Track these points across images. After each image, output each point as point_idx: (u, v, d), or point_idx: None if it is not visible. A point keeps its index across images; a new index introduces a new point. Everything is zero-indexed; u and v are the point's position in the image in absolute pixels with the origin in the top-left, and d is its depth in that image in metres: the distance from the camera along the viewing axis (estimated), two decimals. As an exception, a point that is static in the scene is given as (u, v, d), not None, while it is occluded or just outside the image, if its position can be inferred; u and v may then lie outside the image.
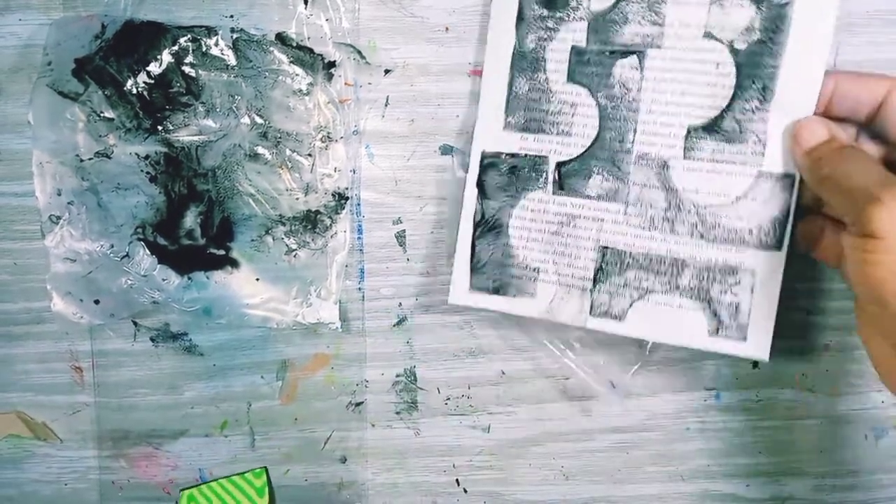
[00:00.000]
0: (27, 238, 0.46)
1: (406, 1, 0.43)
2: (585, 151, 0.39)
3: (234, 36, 0.42)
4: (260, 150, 0.44)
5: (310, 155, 0.44)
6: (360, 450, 0.47)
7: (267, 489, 0.38)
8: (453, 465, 0.47)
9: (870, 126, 0.36)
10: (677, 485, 0.46)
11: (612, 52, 0.38)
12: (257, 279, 0.45)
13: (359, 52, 0.43)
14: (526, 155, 0.40)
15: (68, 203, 0.44)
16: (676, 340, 0.39)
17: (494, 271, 0.41)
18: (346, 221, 0.44)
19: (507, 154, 0.41)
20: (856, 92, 0.35)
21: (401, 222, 0.45)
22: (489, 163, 0.41)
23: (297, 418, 0.47)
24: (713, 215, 0.38)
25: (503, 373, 0.46)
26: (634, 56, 0.38)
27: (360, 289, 0.45)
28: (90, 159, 0.44)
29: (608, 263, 0.40)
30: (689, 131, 0.38)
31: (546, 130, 0.40)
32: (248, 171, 0.44)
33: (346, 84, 0.43)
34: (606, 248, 0.40)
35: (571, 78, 0.39)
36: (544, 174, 0.40)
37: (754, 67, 0.37)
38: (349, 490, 0.47)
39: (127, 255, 0.44)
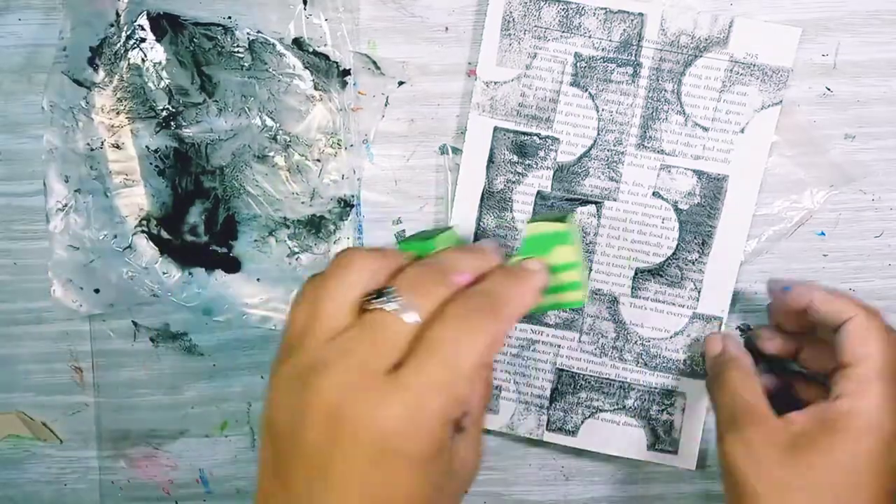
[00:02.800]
0: (27, 238, 0.46)
1: (406, 1, 0.43)
2: None
3: (251, 37, 0.43)
4: (269, 152, 0.44)
5: (318, 160, 0.44)
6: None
7: None
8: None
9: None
10: (677, 485, 0.46)
11: (573, 200, 0.43)
12: (258, 279, 0.45)
13: (374, 63, 0.43)
14: None
15: (75, 191, 0.44)
16: (621, 453, 0.45)
17: None
18: (350, 228, 0.44)
19: None
20: (824, 310, 0.37)
21: (401, 222, 0.45)
22: None
23: (297, 418, 0.47)
24: (655, 347, 0.44)
25: (503, 373, 0.46)
26: (593, 205, 0.43)
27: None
28: (100, 148, 0.44)
29: (563, 384, 0.44)
30: (636, 273, 0.43)
31: None
32: (256, 171, 0.44)
33: (359, 93, 0.43)
34: (562, 370, 0.44)
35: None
36: None
37: (695, 225, 0.42)
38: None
39: (129, 247, 0.44)
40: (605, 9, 0.41)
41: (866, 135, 0.42)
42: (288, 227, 0.44)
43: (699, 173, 0.42)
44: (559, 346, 0.44)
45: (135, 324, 0.46)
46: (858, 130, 0.42)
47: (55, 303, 0.45)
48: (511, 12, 0.42)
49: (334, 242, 0.44)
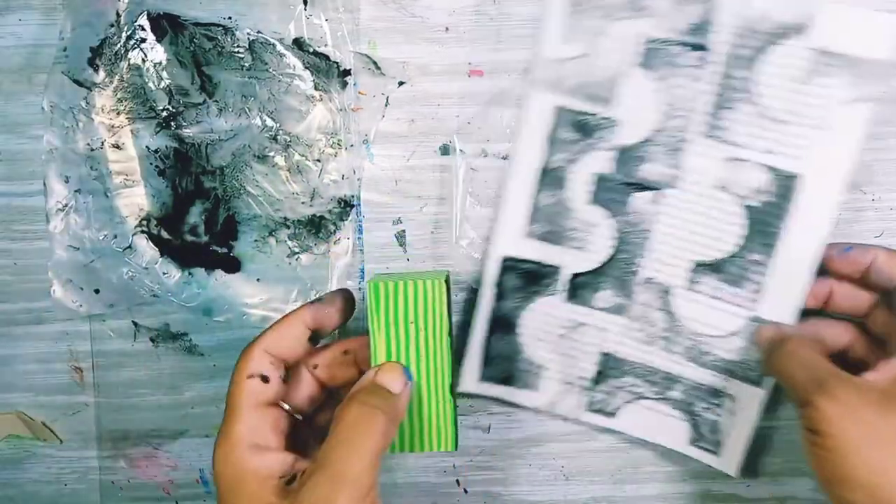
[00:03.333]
0: (27, 238, 0.46)
1: (406, 1, 0.43)
2: (598, 268, 0.42)
3: (251, 38, 0.43)
4: (269, 152, 0.44)
5: (318, 160, 0.44)
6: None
7: (446, 296, 0.36)
8: (453, 466, 0.47)
9: None
10: (677, 485, 0.46)
11: (632, 184, 0.41)
12: (258, 279, 0.45)
13: (374, 63, 0.43)
14: (542, 263, 0.42)
15: (75, 191, 0.44)
16: (660, 441, 0.44)
17: (503, 364, 0.44)
18: (350, 228, 0.44)
19: (524, 260, 0.43)
20: (888, 268, 0.38)
21: (401, 222, 0.45)
22: (507, 266, 0.43)
23: (297, 418, 0.47)
24: (706, 344, 0.42)
25: (503, 373, 0.46)
26: (652, 192, 0.41)
27: (360, 289, 0.45)
28: (100, 148, 0.44)
29: (608, 368, 0.43)
30: (695, 266, 0.41)
31: (564, 244, 0.42)
32: (256, 172, 0.44)
33: (360, 93, 0.43)
34: (607, 354, 0.43)
35: (592, 200, 0.41)
36: (557, 282, 0.42)
37: (762, 224, 0.39)
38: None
39: (129, 247, 0.44)
40: None
41: (866, 135, 0.42)
42: (288, 227, 0.44)
43: (770, 168, 0.39)
44: (606, 329, 0.42)
45: (135, 324, 0.46)
46: (858, 130, 0.42)
47: (55, 303, 0.45)
48: None
49: (334, 242, 0.45)
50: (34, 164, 0.45)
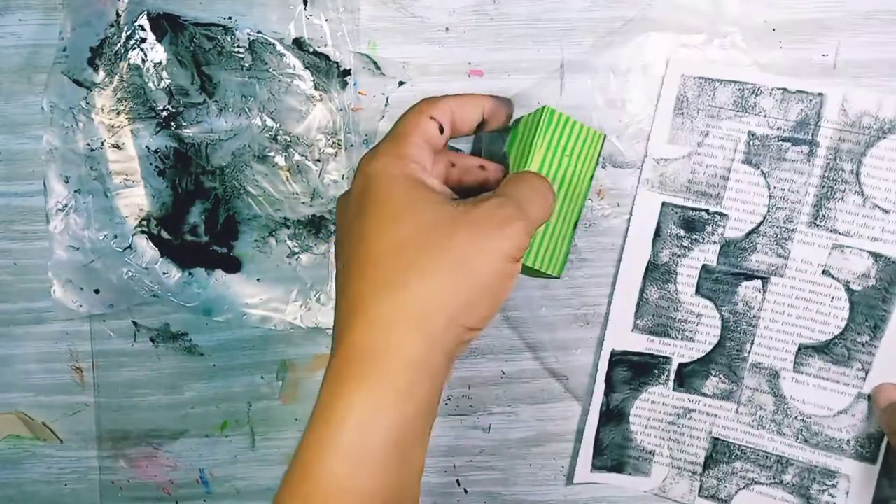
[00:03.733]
0: (27, 238, 0.46)
1: (406, 1, 0.43)
2: (706, 356, 0.44)
3: (251, 38, 0.43)
4: (269, 152, 0.44)
5: (318, 160, 0.44)
6: (360, 450, 0.47)
7: (600, 148, 0.39)
8: (453, 466, 0.47)
9: None
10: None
11: (738, 275, 0.43)
12: (258, 279, 0.45)
13: (374, 63, 0.43)
14: (651, 354, 0.44)
15: (75, 191, 0.44)
16: None
17: (614, 452, 0.45)
18: None
19: (633, 353, 0.44)
20: None
21: (401, 222, 0.45)
22: (617, 360, 0.44)
23: (297, 418, 0.47)
24: (817, 424, 0.43)
25: (503, 373, 0.46)
26: (759, 280, 0.42)
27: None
28: (100, 148, 0.44)
29: (718, 453, 0.44)
30: (800, 348, 0.42)
31: (671, 335, 0.44)
32: (256, 172, 0.44)
33: (360, 93, 0.43)
34: (717, 439, 0.44)
35: (699, 291, 0.43)
36: (666, 372, 0.44)
37: (868, 308, 0.41)
38: (349, 490, 0.47)
39: (129, 247, 0.44)
40: (784, 89, 0.41)
41: (866, 135, 0.42)
42: (288, 227, 0.44)
43: (876, 255, 0.41)
44: (715, 415, 0.44)
45: (135, 324, 0.46)
46: (858, 130, 0.42)
47: (55, 303, 0.45)
48: (685, 92, 0.42)
49: (334, 243, 0.44)
50: (34, 164, 0.45)
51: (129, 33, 0.43)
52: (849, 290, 0.42)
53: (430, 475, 0.47)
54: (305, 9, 0.43)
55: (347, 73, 0.43)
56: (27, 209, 0.46)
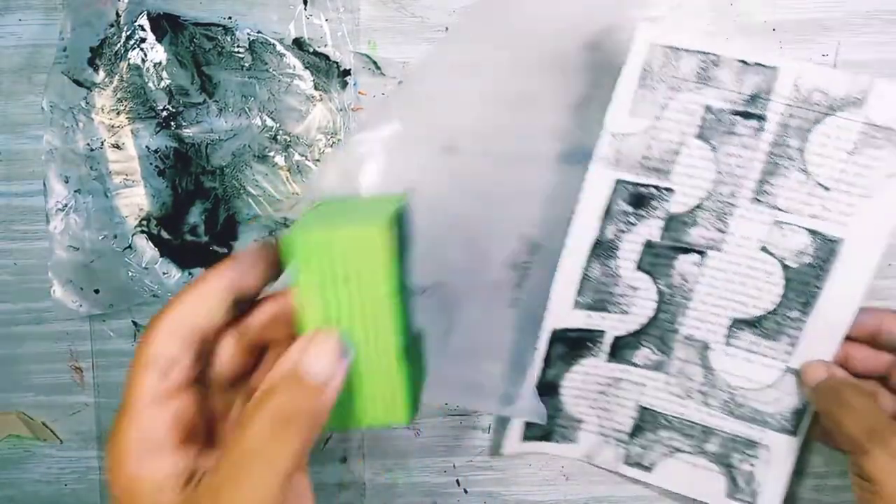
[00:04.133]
0: (27, 238, 0.46)
1: (406, 1, 0.43)
2: (640, 329, 0.43)
3: (251, 38, 0.43)
4: (269, 152, 0.44)
5: (318, 160, 0.44)
6: (360, 450, 0.47)
7: (398, 208, 0.31)
8: (453, 466, 0.47)
9: None
10: (677, 485, 0.46)
11: (677, 248, 0.42)
12: (257, 279, 0.45)
13: (374, 63, 0.43)
14: (588, 330, 0.44)
15: (75, 191, 0.44)
16: (697, 496, 0.45)
17: (544, 423, 0.45)
18: None
19: (572, 329, 0.44)
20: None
21: (401, 222, 0.45)
22: (556, 338, 0.44)
23: (297, 418, 0.47)
24: (743, 396, 0.43)
25: (503, 373, 0.46)
26: (697, 254, 0.42)
27: (360, 289, 0.45)
28: (100, 148, 0.44)
29: (645, 422, 0.44)
30: (732, 322, 0.42)
31: (609, 310, 0.43)
32: (256, 172, 0.44)
33: (360, 93, 0.43)
34: (645, 408, 0.44)
35: (639, 267, 0.43)
36: (600, 345, 0.44)
37: (801, 284, 0.41)
38: (349, 490, 0.47)
39: (129, 247, 0.44)
40: (743, 61, 0.40)
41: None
42: (288, 227, 0.44)
43: (814, 233, 0.41)
44: (645, 385, 0.44)
45: (135, 324, 0.46)
46: (858, 130, 0.42)
47: (55, 303, 0.45)
48: (651, 62, 0.40)
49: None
50: (34, 164, 0.45)
51: (129, 33, 0.43)
52: (784, 267, 0.41)
53: (430, 475, 0.47)
54: (305, 9, 0.43)
55: (347, 73, 0.43)
56: (27, 209, 0.46)
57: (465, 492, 0.47)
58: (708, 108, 0.41)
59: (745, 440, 0.43)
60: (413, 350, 0.31)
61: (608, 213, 0.42)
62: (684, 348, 0.43)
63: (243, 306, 0.31)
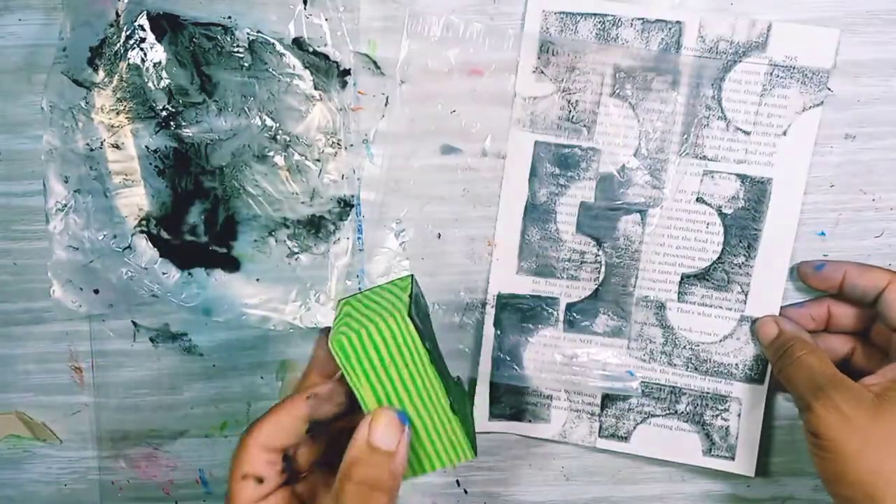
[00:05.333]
0: (27, 238, 0.46)
1: (406, 1, 0.43)
2: (592, 294, 0.44)
3: (251, 37, 0.43)
4: (269, 152, 0.44)
5: (318, 160, 0.44)
6: (359, 450, 0.47)
7: (410, 291, 0.35)
8: (453, 466, 0.47)
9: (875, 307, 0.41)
10: (677, 485, 0.46)
11: (616, 209, 0.43)
12: (258, 279, 0.45)
13: (374, 63, 0.43)
14: (538, 296, 0.44)
15: (75, 191, 0.44)
16: (675, 458, 0.45)
17: (512, 399, 0.45)
18: (349, 228, 0.44)
19: (520, 296, 0.44)
20: (861, 282, 0.40)
21: (401, 222, 0.45)
22: (504, 303, 0.44)
23: (296, 418, 0.47)
24: (705, 351, 0.44)
25: (503, 373, 0.46)
26: (637, 213, 0.43)
27: (360, 289, 0.45)
28: (100, 148, 0.44)
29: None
30: (682, 278, 0.43)
31: (556, 275, 0.44)
32: (256, 172, 0.44)
33: (360, 93, 0.43)
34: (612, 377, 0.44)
35: (580, 229, 0.44)
36: (555, 313, 0.44)
37: (740, 229, 0.43)
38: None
39: (129, 247, 0.44)
40: (643, 19, 0.41)
41: (866, 135, 0.42)
42: (288, 227, 0.44)
43: (742, 177, 0.42)
44: (607, 352, 0.44)
45: (135, 324, 0.46)
46: (859, 130, 0.42)
47: (55, 303, 0.45)
48: (548, 28, 0.42)
49: (334, 242, 0.44)
50: (34, 164, 0.45)
51: (128, 33, 0.43)
52: (721, 215, 0.43)
53: (430, 475, 0.47)
54: (305, 8, 0.43)
55: (347, 72, 0.43)
56: (27, 209, 0.46)
57: (466, 492, 0.47)
58: (616, 67, 0.42)
59: (714, 394, 0.44)
60: (457, 395, 0.36)
61: (535, 175, 0.43)
62: (641, 311, 0.44)
63: (320, 429, 0.35)
